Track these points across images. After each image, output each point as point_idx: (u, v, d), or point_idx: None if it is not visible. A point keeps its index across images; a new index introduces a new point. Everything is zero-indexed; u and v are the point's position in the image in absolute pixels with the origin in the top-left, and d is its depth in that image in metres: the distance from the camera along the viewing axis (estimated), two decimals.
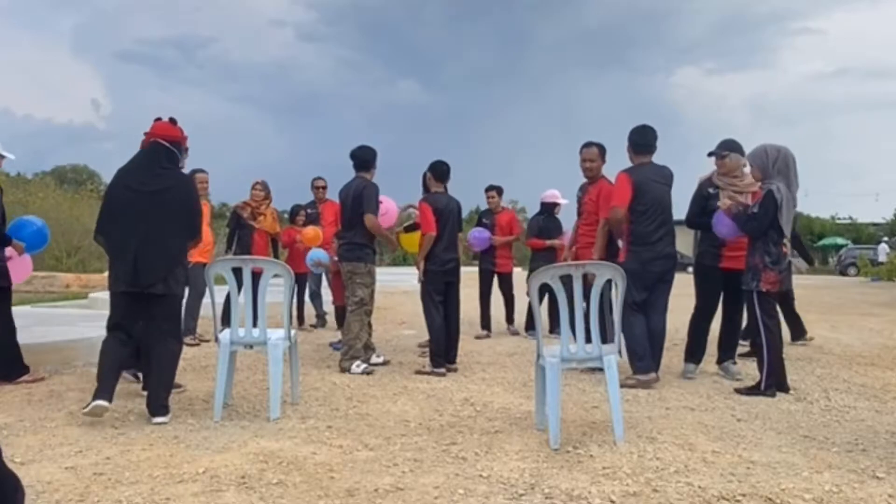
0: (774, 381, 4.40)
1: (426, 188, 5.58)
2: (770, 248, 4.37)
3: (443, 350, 5.20)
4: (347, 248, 5.32)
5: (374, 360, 5.39)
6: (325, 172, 7.86)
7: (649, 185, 4.77)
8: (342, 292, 5.96)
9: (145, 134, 3.81)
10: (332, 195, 7.03)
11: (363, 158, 5.40)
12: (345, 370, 5.07)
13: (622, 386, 4.10)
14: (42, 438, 3.26)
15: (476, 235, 7.27)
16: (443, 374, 5.04)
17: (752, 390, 4.42)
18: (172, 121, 3.85)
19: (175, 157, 3.81)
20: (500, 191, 7.59)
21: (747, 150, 4.68)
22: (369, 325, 5.42)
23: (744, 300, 4.60)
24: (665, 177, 4.89)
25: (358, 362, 5.09)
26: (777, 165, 4.40)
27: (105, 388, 3.51)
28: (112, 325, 3.68)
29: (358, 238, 5.26)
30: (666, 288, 4.80)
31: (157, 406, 3.60)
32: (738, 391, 4.49)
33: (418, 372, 5.14)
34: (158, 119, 3.85)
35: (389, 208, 5.70)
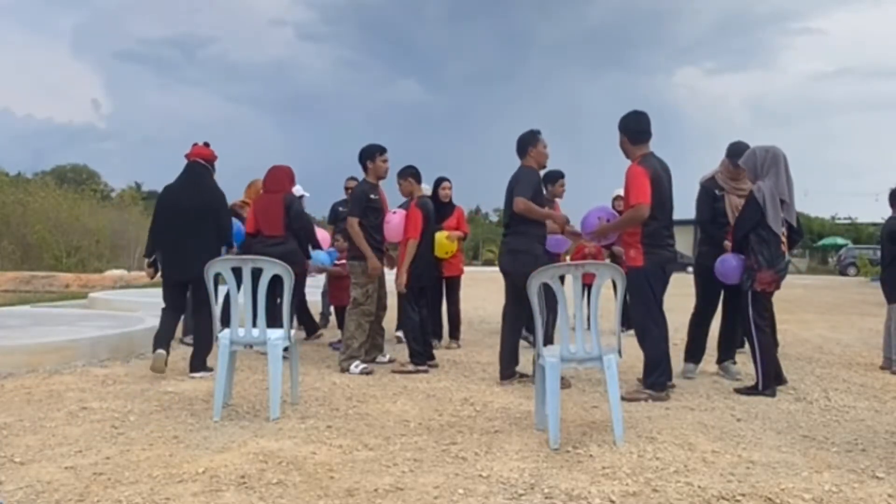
0: (772, 379, 4.41)
1: (405, 194, 5.43)
2: (763, 249, 4.37)
3: (421, 347, 5.20)
4: (349, 247, 5.36)
5: (379, 359, 5.41)
6: (324, 172, 7.85)
7: (660, 177, 4.33)
8: (339, 293, 5.97)
9: (186, 155, 5.03)
10: None
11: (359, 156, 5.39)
12: (344, 370, 5.07)
13: (630, 399, 4.10)
14: (42, 438, 3.26)
15: (558, 241, 5.76)
16: (425, 371, 5.07)
17: (752, 390, 4.43)
18: (206, 144, 5.10)
19: (209, 171, 5.08)
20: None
21: None
22: (379, 326, 5.44)
23: (743, 300, 4.60)
24: (668, 169, 4.57)
25: (357, 362, 5.09)
26: (766, 165, 4.41)
27: (161, 343, 4.73)
28: (167, 304, 4.96)
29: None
30: (665, 289, 4.77)
31: (192, 364, 4.86)
32: (738, 391, 4.49)
33: (396, 371, 5.09)
34: (196, 144, 5.08)
35: (398, 223, 5.29)
